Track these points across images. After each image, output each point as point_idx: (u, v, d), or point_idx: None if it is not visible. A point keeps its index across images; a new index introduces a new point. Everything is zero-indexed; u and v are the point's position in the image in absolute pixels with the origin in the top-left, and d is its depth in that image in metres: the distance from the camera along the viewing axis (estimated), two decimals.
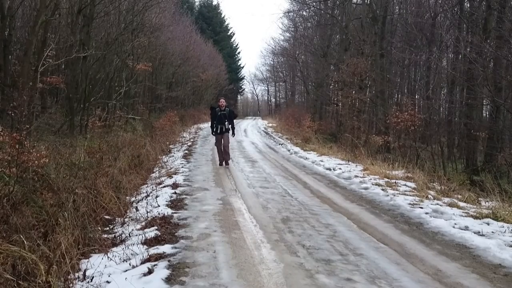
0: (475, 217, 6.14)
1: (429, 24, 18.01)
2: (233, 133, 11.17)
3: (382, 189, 8.10)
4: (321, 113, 25.77)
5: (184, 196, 7.14)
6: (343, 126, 19.71)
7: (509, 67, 12.24)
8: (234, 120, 11.32)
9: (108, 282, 3.66)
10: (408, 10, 21.10)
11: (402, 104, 14.66)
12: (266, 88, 63.90)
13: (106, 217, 5.80)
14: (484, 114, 16.93)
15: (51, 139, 9.88)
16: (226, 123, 10.83)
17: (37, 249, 3.97)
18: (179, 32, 27.71)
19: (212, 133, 11.11)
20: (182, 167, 10.43)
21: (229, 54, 50.90)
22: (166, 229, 5.17)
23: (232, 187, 8.20)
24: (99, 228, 5.18)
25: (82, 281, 3.70)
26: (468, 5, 16.03)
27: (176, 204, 6.59)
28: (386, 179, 9.13)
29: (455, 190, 8.34)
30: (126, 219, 5.76)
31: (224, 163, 10.89)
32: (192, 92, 34.60)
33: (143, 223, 5.46)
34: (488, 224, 5.82)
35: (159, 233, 4.97)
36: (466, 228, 5.57)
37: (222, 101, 11.05)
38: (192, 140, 18.10)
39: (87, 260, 4.16)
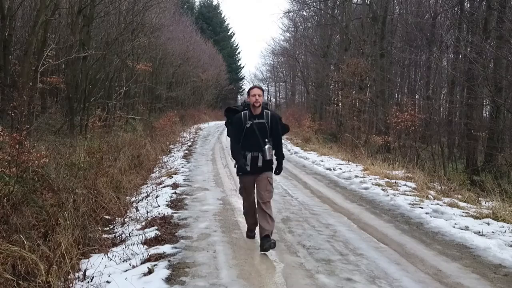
0: (475, 217, 6.14)
1: (429, 24, 18.01)
2: (280, 170, 4.94)
3: (382, 189, 8.10)
4: (321, 113, 25.78)
5: (184, 196, 7.14)
6: (343, 126, 19.72)
7: (509, 67, 12.24)
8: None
9: (108, 282, 3.65)
10: (408, 10, 21.10)
11: (402, 104, 14.67)
12: (266, 88, 63.86)
13: (106, 217, 5.80)
14: (484, 114, 16.94)
15: (51, 139, 9.88)
16: (267, 147, 4.64)
17: (37, 249, 3.97)
18: (179, 32, 27.72)
19: (237, 172, 4.83)
20: (182, 167, 10.42)
21: (229, 54, 50.89)
22: (166, 229, 5.17)
23: (232, 187, 8.19)
24: (99, 228, 5.18)
25: (82, 281, 3.70)
26: (468, 5, 16.02)
27: (176, 204, 6.58)
28: (386, 179, 9.13)
29: (455, 190, 8.35)
30: (126, 219, 5.76)
31: (251, 234, 5.03)
32: (192, 92, 34.61)
33: (143, 223, 5.45)
34: (488, 224, 5.82)
35: (159, 233, 4.97)
36: (466, 228, 5.57)
37: (257, 94, 4.66)
38: (192, 140, 18.10)
39: (87, 260, 4.16)
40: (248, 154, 4.64)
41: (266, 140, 4.66)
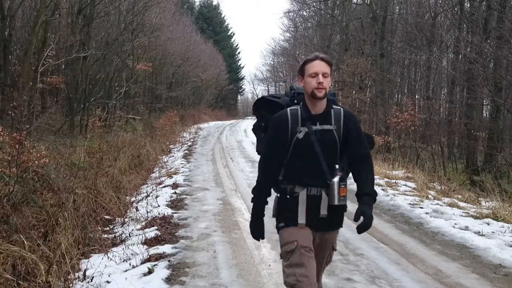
0: (475, 217, 6.14)
1: (429, 24, 18.01)
2: (367, 223, 2.46)
3: (382, 189, 8.08)
4: None
5: (184, 196, 7.14)
6: None
7: (509, 67, 12.24)
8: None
9: (108, 282, 3.66)
10: (408, 10, 21.10)
11: (402, 104, 14.65)
12: (266, 88, 63.90)
13: (106, 217, 5.80)
14: (484, 114, 16.92)
15: (51, 139, 9.88)
16: (337, 179, 2.31)
17: (37, 249, 3.97)
18: (179, 32, 27.71)
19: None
20: (182, 167, 10.42)
21: (229, 54, 50.89)
22: (166, 229, 5.18)
23: (232, 187, 8.19)
24: (99, 228, 5.18)
25: (82, 281, 3.70)
26: (468, 5, 16.03)
27: (176, 204, 6.59)
28: (386, 179, 9.12)
29: (455, 190, 8.34)
30: (126, 219, 5.76)
31: None
32: (192, 92, 34.61)
33: (143, 223, 5.46)
34: (488, 224, 5.82)
35: (159, 233, 4.97)
36: (466, 228, 5.57)
37: (322, 72, 2.27)
38: (192, 140, 18.09)
39: (87, 260, 4.16)
40: (300, 192, 2.39)
41: (336, 165, 2.38)
